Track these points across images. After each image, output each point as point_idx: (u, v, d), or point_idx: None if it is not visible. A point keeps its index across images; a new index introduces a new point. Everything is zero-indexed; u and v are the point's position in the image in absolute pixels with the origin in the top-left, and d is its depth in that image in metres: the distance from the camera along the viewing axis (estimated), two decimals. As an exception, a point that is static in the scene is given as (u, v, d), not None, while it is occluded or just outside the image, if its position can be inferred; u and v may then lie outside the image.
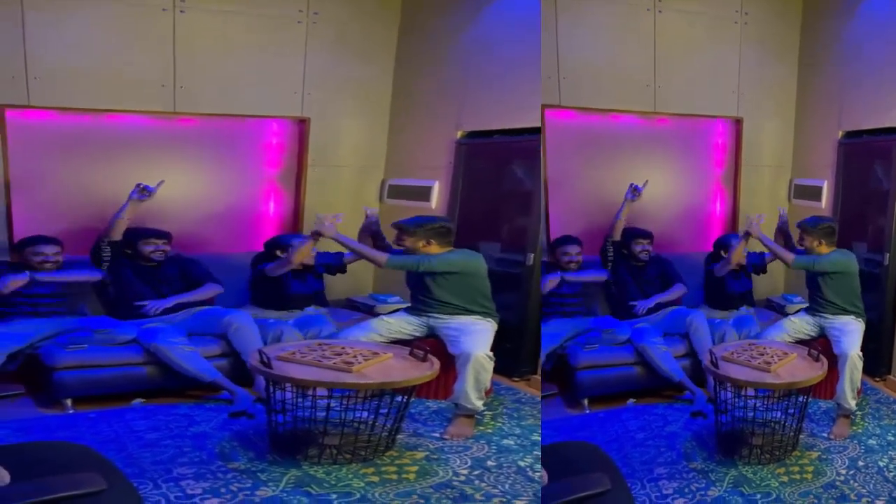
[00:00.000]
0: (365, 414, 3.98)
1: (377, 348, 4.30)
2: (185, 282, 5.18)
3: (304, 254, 5.14)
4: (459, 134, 5.94)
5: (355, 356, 4.03)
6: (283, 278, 5.35)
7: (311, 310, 5.40)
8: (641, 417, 4.77)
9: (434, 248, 4.69)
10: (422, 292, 4.76)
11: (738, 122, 6.58)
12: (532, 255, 5.32)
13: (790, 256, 5.11)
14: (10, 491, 2.21)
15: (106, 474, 2.37)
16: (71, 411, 4.42)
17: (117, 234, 4.98)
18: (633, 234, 5.64)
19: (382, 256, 4.74)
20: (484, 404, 4.49)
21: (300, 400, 3.94)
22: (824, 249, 5.00)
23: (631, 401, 5.02)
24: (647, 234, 5.67)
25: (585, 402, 4.94)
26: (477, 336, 4.48)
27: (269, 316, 5.21)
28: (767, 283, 6.31)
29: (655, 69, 6.11)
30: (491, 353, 4.41)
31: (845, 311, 4.98)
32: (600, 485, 2.27)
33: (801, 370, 4.32)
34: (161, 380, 4.66)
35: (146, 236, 5.11)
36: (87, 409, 4.44)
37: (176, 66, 5.59)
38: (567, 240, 5.46)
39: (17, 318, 4.68)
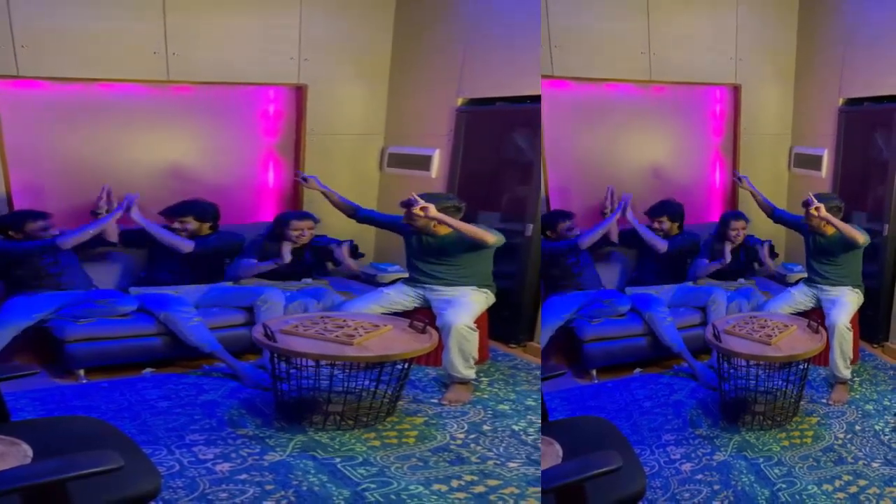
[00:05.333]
0: (367, 382, 4.22)
1: (378, 320, 4.50)
2: None
3: None
4: (459, 101, 6.01)
5: (356, 329, 4.25)
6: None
7: (307, 281, 5.57)
8: (648, 386, 5.02)
9: (443, 227, 4.82)
10: (426, 266, 4.92)
11: (736, 89, 6.63)
12: (531, 226, 5.46)
13: (860, 234, 4.98)
14: (33, 469, 2.30)
15: (124, 450, 2.47)
16: (84, 381, 4.68)
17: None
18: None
19: (491, 234, 4.75)
20: (480, 371, 4.72)
21: (304, 370, 4.17)
22: (829, 229, 5.07)
23: (637, 370, 5.25)
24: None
25: (594, 372, 5.17)
26: (460, 308, 4.64)
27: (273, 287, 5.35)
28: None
29: (650, 36, 6.12)
30: (473, 325, 4.58)
31: (844, 282, 5.14)
32: (613, 462, 2.40)
33: (801, 342, 4.54)
34: (169, 350, 4.91)
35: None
36: (100, 378, 4.70)
37: (167, 33, 5.58)
38: (564, 215, 5.58)
39: (20, 295, 4.83)
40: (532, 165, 5.50)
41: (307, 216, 5.63)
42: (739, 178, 5.91)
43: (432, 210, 4.63)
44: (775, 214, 5.68)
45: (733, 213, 6.15)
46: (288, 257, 5.43)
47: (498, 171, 5.78)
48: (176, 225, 5.28)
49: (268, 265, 5.44)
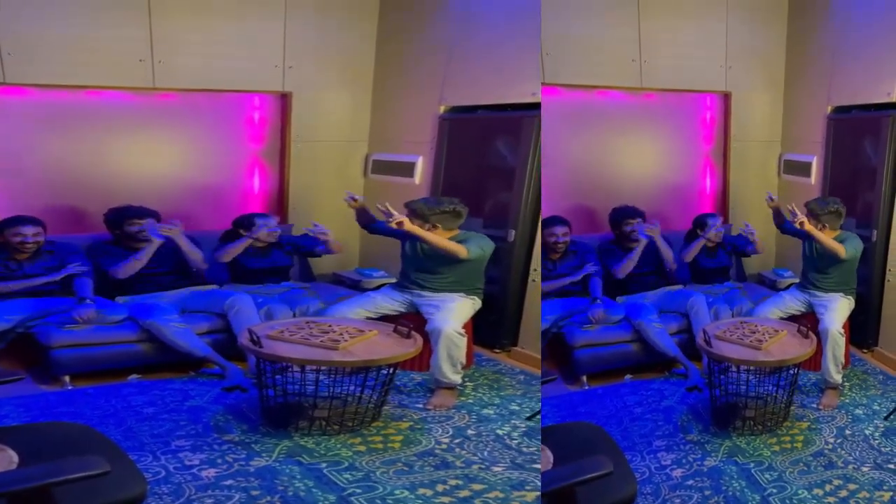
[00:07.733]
0: (352, 387, 4.30)
1: (362, 325, 4.57)
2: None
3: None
4: (442, 109, 6.08)
5: (341, 334, 4.31)
6: (245, 254, 5.54)
7: (287, 285, 5.60)
8: (639, 392, 5.06)
9: (439, 233, 4.86)
10: (417, 273, 4.96)
11: (726, 97, 6.70)
12: (513, 232, 5.51)
13: (841, 248, 5.04)
14: (19, 474, 2.33)
15: (110, 455, 2.50)
16: (70, 387, 4.71)
17: None
18: (624, 213, 5.79)
19: (463, 249, 4.79)
20: (465, 376, 4.77)
21: (290, 375, 4.23)
22: (828, 233, 5.09)
23: (628, 376, 5.30)
24: (638, 213, 5.80)
25: (584, 378, 5.20)
26: (449, 313, 4.71)
27: (253, 293, 5.35)
28: (758, 258, 6.47)
29: (641, 43, 6.17)
30: (462, 330, 4.65)
31: (837, 289, 5.18)
32: (603, 467, 2.42)
33: (792, 347, 4.62)
34: (154, 356, 4.93)
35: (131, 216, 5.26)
36: (85, 385, 4.73)
37: (153, 40, 5.63)
38: (553, 220, 5.56)
39: (5, 300, 4.83)
40: (514, 172, 5.54)
41: (264, 215, 5.69)
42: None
43: (407, 224, 4.70)
44: (784, 227, 5.75)
45: (706, 214, 6.16)
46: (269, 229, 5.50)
47: (480, 177, 5.83)
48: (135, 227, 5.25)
49: (242, 242, 5.46)
